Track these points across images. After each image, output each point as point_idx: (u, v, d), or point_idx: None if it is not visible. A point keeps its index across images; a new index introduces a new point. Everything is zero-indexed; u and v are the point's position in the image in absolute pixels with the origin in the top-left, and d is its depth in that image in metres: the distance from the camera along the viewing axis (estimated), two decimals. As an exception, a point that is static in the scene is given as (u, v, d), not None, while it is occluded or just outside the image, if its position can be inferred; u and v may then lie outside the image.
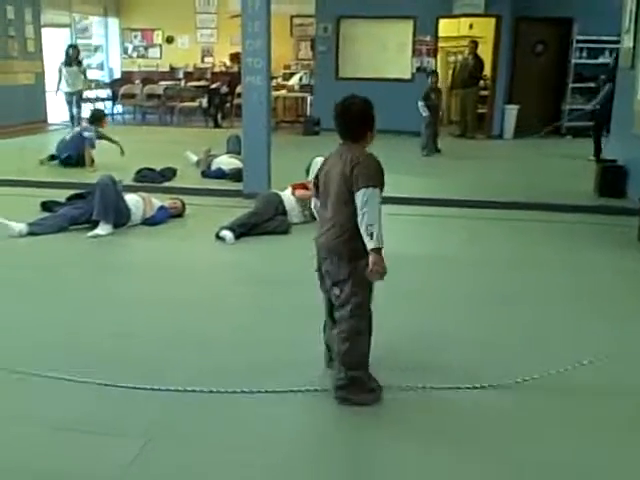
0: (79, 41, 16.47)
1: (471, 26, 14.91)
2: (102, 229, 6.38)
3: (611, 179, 8.31)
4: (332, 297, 3.47)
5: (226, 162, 9.21)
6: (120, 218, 6.55)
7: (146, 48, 18.43)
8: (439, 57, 14.64)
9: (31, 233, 6.28)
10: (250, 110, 8.02)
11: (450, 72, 15.19)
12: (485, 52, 13.90)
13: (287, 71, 16.84)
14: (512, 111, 13.69)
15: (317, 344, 3.76)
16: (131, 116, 16.55)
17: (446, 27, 14.39)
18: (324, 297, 3.63)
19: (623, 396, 3.62)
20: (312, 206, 3.78)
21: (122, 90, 16.38)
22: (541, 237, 6.77)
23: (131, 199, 6.73)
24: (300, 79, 15.97)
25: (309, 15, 15.51)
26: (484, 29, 14.30)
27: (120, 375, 3.65)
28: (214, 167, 9.22)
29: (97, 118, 10.05)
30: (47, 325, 4.40)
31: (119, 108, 16.73)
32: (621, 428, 3.31)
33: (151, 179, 8.68)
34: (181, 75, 17.54)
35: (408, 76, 14.05)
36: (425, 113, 11.27)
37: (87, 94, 15.09)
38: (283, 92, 15.68)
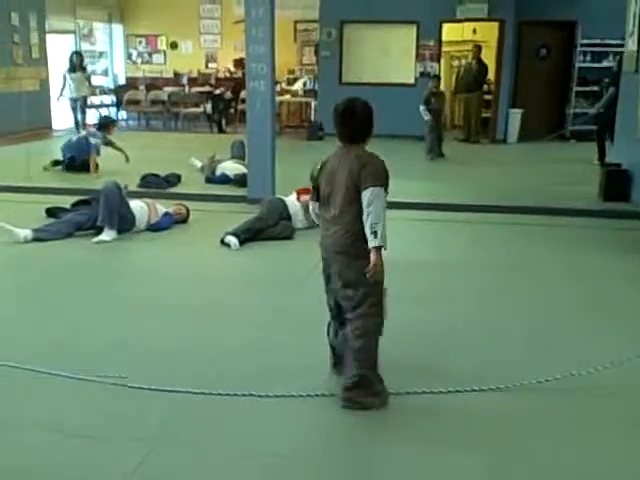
0: (83, 47, 16.54)
1: (475, 30, 14.92)
2: (107, 235, 6.39)
3: (615, 183, 8.30)
4: (344, 298, 3.46)
5: (230, 167, 9.22)
6: (125, 224, 6.56)
7: (150, 54, 18.47)
8: (443, 62, 14.63)
9: (36, 239, 6.29)
10: (254, 115, 8.03)
11: (454, 77, 15.19)
12: (489, 56, 13.91)
13: (291, 76, 16.86)
14: (516, 115, 13.69)
15: (323, 348, 3.76)
16: (135, 122, 16.58)
17: (450, 32, 14.39)
18: (330, 299, 3.63)
19: None
20: (310, 209, 3.79)
21: (126, 96, 16.40)
22: (546, 241, 6.77)
23: (136, 205, 6.74)
24: (304, 84, 15.98)
25: (313, 20, 15.52)
26: (488, 33, 14.31)
27: (126, 377, 3.67)
28: (218, 172, 9.23)
29: (105, 125, 10.10)
30: (53, 329, 4.42)
31: (123, 114, 16.75)
32: None
33: (156, 185, 8.69)
34: (185, 81, 17.56)
35: (411, 81, 14.05)
36: (427, 117, 11.29)
37: (92, 100, 15.14)
38: (287, 97, 15.70)
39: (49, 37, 14.97)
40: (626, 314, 4.86)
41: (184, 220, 7.16)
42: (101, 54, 18.21)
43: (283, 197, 6.98)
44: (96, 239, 6.36)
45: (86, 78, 13.87)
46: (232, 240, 6.24)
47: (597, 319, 4.73)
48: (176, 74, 17.94)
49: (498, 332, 4.47)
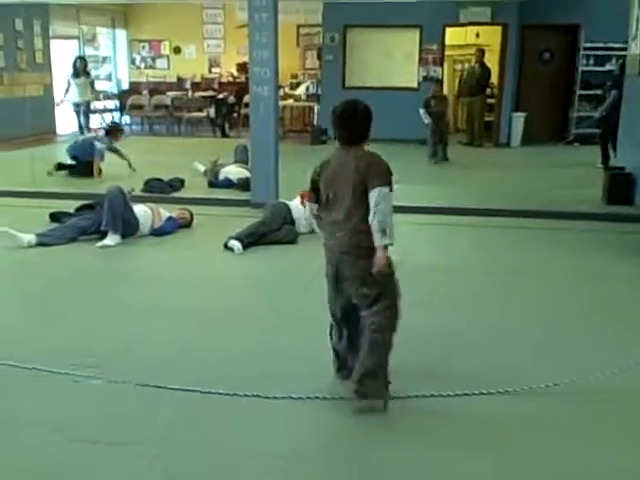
0: (87, 52, 16.59)
1: (478, 34, 14.92)
2: (111, 239, 6.40)
3: (619, 186, 8.28)
4: (359, 297, 3.46)
5: (234, 172, 9.23)
6: (128, 228, 6.57)
7: (154, 59, 18.53)
8: (446, 66, 14.64)
9: (40, 244, 6.30)
10: (258, 120, 8.05)
11: (457, 80, 15.19)
12: (492, 60, 13.90)
13: (294, 80, 16.88)
14: (519, 119, 13.68)
15: (327, 352, 3.76)
16: (139, 127, 16.60)
17: (453, 35, 14.40)
18: (335, 303, 3.62)
19: None
20: (309, 212, 3.78)
21: (130, 101, 16.43)
22: (549, 245, 6.76)
23: (139, 210, 6.75)
24: (307, 88, 15.99)
25: (316, 25, 15.55)
26: (491, 37, 14.31)
27: (131, 381, 3.68)
28: (222, 177, 9.24)
29: (112, 131, 10.16)
30: (57, 334, 4.42)
31: (127, 119, 16.79)
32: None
33: (159, 189, 8.70)
34: (188, 85, 17.60)
35: (415, 85, 14.05)
36: (426, 120, 11.31)
37: (95, 105, 15.18)
38: (290, 102, 15.71)
39: (53, 42, 15.02)
40: (630, 317, 4.85)
41: (188, 224, 7.16)
42: (104, 59, 18.26)
43: (287, 201, 6.99)
44: (100, 244, 6.37)
45: (90, 83, 13.95)
46: (236, 244, 6.25)
47: (601, 322, 4.72)
48: (179, 79, 17.99)
49: (503, 335, 4.46)
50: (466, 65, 15.13)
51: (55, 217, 7.11)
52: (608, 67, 13.06)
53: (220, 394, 3.59)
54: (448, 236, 7.18)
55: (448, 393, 3.60)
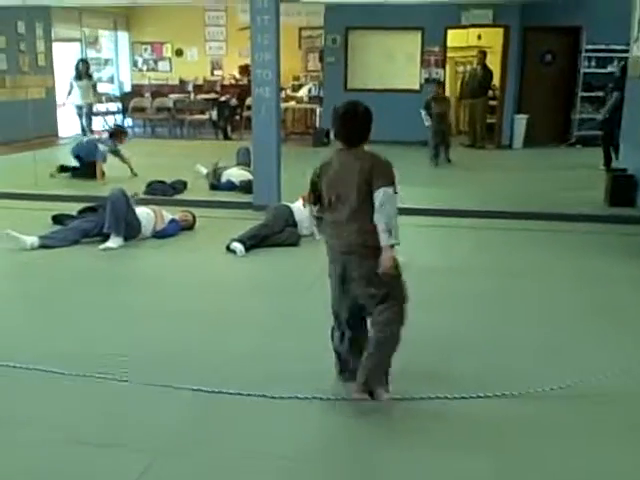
0: (89, 54, 16.62)
1: (479, 36, 14.93)
2: (113, 242, 6.41)
3: (621, 188, 8.28)
4: (367, 297, 3.47)
5: (236, 174, 9.24)
6: (131, 231, 6.58)
7: (156, 61, 18.52)
8: (448, 67, 14.64)
9: (43, 246, 6.31)
10: (260, 122, 8.06)
11: (459, 82, 15.20)
12: (494, 62, 13.91)
13: (296, 83, 16.88)
14: (521, 121, 13.69)
15: (329, 354, 3.77)
16: (141, 129, 16.62)
17: (455, 37, 14.41)
18: (341, 304, 3.61)
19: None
20: (308, 213, 3.78)
21: (132, 103, 16.44)
22: (551, 247, 6.76)
23: (142, 212, 6.76)
24: (309, 90, 16.01)
25: (318, 27, 15.56)
26: (492, 39, 14.32)
27: (133, 383, 3.69)
28: (224, 179, 9.25)
29: (115, 134, 10.17)
30: (59, 336, 4.43)
31: (129, 121, 16.80)
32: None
33: (162, 192, 8.71)
34: (190, 88, 17.59)
35: (417, 87, 14.05)
36: (427, 122, 11.32)
37: (97, 107, 15.20)
38: (292, 104, 15.72)
39: (55, 45, 15.04)
40: (632, 319, 4.85)
41: (190, 227, 7.17)
42: (107, 61, 18.28)
43: (289, 203, 6.99)
44: (102, 246, 6.38)
45: (92, 86, 13.99)
46: (238, 247, 6.25)
47: (603, 324, 4.72)
48: (181, 81, 17.98)
49: (504, 337, 4.47)
50: (468, 67, 15.12)
51: (58, 219, 7.12)
52: (610, 69, 13.06)
53: (224, 393, 3.61)
54: (449, 238, 7.18)
55: (448, 395, 3.59)
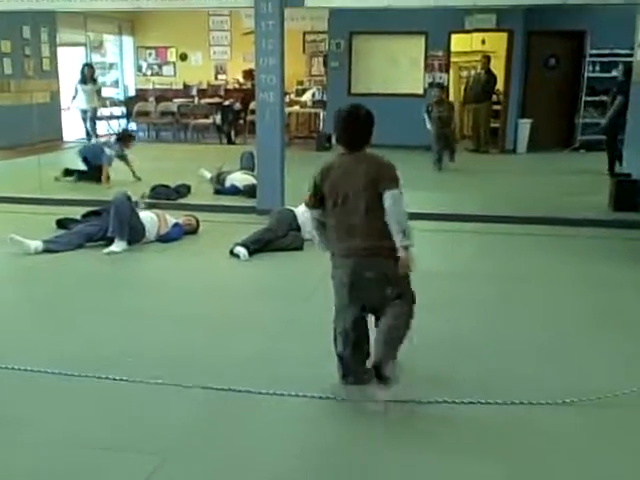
0: (94, 59, 16.67)
1: (483, 41, 14.93)
2: (117, 246, 6.42)
3: (625, 193, 8.26)
4: (381, 298, 3.50)
5: (239, 178, 9.25)
6: (135, 235, 6.59)
7: (160, 66, 18.57)
8: (452, 72, 14.64)
9: (47, 250, 6.32)
10: (264, 126, 8.07)
11: (463, 87, 15.20)
12: (498, 67, 13.91)
13: (300, 87, 16.90)
14: (525, 125, 13.68)
15: (332, 359, 3.75)
16: (145, 133, 16.66)
17: (458, 42, 14.41)
18: (349, 308, 3.59)
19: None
20: (310, 217, 3.78)
21: (136, 107, 16.48)
22: (555, 251, 6.75)
23: (146, 216, 6.77)
24: (313, 95, 16.02)
25: (322, 31, 15.58)
26: (496, 44, 14.32)
27: (135, 385, 3.70)
28: (228, 183, 9.26)
29: (123, 138, 10.21)
30: (64, 340, 4.44)
31: (133, 126, 16.84)
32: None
33: (165, 196, 8.73)
34: (195, 92, 17.63)
35: (420, 91, 14.05)
36: (428, 125, 11.32)
37: (101, 112, 15.24)
38: (296, 108, 15.73)
39: (60, 50, 15.08)
40: (636, 324, 4.83)
41: (194, 231, 7.18)
42: (111, 65, 18.34)
43: (292, 208, 6.99)
44: (106, 250, 6.39)
45: (97, 90, 14.03)
46: (241, 251, 6.26)
47: (607, 329, 4.71)
48: (186, 86, 18.03)
49: (508, 342, 4.46)
50: (472, 72, 15.13)
51: (62, 223, 7.13)
52: (614, 73, 13.03)
53: (232, 390, 3.65)
54: (452, 242, 7.16)
55: (456, 400, 3.59)
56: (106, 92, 16.59)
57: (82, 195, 8.81)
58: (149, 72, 18.62)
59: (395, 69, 14.29)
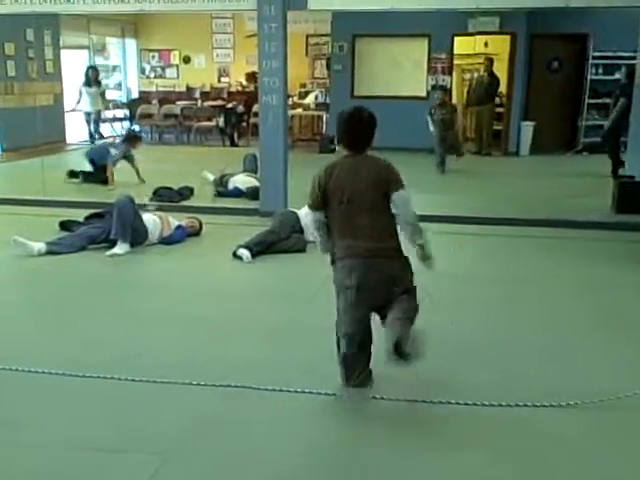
0: (97, 61, 16.71)
1: (486, 44, 14.92)
2: (120, 248, 6.43)
3: (628, 195, 8.25)
4: (388, 298, 3.51)
5: (242, 181, 9.26)
6: (137, 237, 6.59)
7: (163, 68, 18.62)
8: (454, 75, 14.65)
9: (50, 252, 6.33)
10: (267, 129, 8.08)
11: (466, 89, 15.20)
12: (500, 69, 13.91)
13: (303, 90, 16.91)
14: (528, 128, 13.67)
15: (334, 361, 3.76)
16: (148, 136, 16.67)
17: (461, 45, 14.42)
18: (355, 312, 3.57)
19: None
20: (313, 220, 3.78)
21: (139, 110, 16.49)
22: (558, 254, 6.74)
23: (148, 218, 6.78)
24: (316, 97, 16.03)
25: (324, 34, 15.60)
26: (499, 46, 14.32)
27: (137, 386, 3.70)
28: (231, 186, 9.27)
29: (130, 138, 10.25)
30: (67, 342, 4.44)
31: (136, 128, 16.86)
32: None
33: (168, 198, 8.74)
34: (198, 95, 17.65)
35: (423, 94, 14.05)
36: (431, 127, 11.33)
37: (105, 114, 15.28)
38: (299, 111, 15.75)
39: (63, 52, 15.12)
40: (638, 327, 4.83)
41: (197, 233, 7.19)
42: (114, 68, 18.38)
43: (295, 210, 7.00)
44: (109, 252, 6.39)
45: (101, 93, 14.08)
46: (244, 253, 6.26)
47: (609, 332, 4.70)
48: (189, 88, 18.05)
49: (510, 344, 4.46)
50: (475, 74, 15.13)
51: (65, 226, 7.14)
52: (617, 76, 13.03)
53: (233, 387, 3.66)
54: (455, 244, 7.15)
55: (460, 401, 3.60)
56: (109, 94, 16.61)
57: (85, 197, 8.83)
58: (152, 75, 18.67)
59: (398, 72, 14.29)
